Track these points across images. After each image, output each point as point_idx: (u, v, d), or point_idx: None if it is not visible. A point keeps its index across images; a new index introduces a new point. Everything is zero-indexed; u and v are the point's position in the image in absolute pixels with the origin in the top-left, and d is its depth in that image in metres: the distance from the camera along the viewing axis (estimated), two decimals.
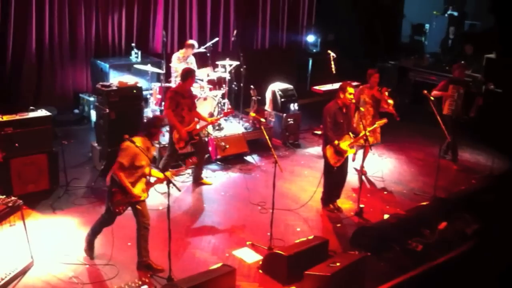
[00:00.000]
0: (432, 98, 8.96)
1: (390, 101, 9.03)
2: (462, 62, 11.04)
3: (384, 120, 7.82)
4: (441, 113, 9.33)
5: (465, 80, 10.04)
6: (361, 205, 8.05)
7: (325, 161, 7.84)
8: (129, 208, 6.28)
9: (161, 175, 6.38)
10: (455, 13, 17.17)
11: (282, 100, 10.75)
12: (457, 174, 9.74)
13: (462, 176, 9.61)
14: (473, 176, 9.62)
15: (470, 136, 11.00)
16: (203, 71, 10.37)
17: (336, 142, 7.58)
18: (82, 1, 10.98)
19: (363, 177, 9.07)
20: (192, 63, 10.36)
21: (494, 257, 6.77)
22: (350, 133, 7.84)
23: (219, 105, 10.05)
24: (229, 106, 10.32)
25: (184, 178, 8.87)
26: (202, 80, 10.11)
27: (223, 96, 10.28)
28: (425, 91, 8.91)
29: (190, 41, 10.42)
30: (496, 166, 9.70)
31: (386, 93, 9.10)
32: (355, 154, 9.31)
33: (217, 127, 9.92)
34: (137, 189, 6.17)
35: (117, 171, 6.06)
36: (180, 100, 8.15)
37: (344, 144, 7.66)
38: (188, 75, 8.24)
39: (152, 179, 6.40)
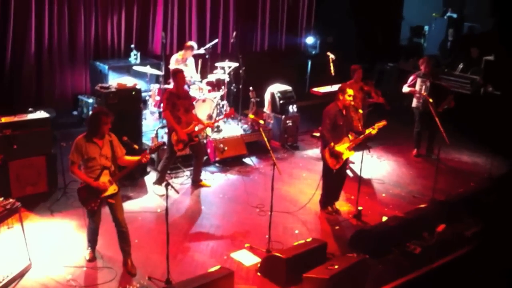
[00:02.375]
0: (430, 100, 9.03)
1: (378, 91, 9.76)
2: (426, 56, 11.39)
3: (384, 122, 7.81)
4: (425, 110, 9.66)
5: (432, 73, 10.30)
6: (360, 208, 8.05)
7: (324, 163, 7.83)
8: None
9: (135, 158, 6.31)
10: (454, 15, 17.19)
11: (281, 102, 10.74)
12: (456, 176, 9.73)
13: (461, 179, 9.61)
14: (472, 178, 9.63)
15: (469, 138, 11.03)
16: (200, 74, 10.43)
17: (331, 144, 7.57)
18: (81, 3, 10.97)
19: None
20: (190, 64, 10.37)
21: (493, 260, 6.77)
22: (350, 136, 7.81)
23: (218, 107, 10.04)
24: (227, 107, 10.28)
25: (183, 180, 8.86)
26: (201, 82, 10.13)
27: (222, 98, 10.27)
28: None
29: (189, 43, 10.43)
30: (495, 169, 9.70)
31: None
32: None
33: (215, 129, 9.91)
34: (100, 182, 6.12)
35: (70, 167, 6.10)
36: (176, 101, 8.14)
37: (342, 147, 7.64)
38: (175, 74, 8.27)
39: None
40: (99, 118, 6.11)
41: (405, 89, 10.27)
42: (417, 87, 10.06)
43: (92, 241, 6.51)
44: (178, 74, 8.26)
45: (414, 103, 10.23)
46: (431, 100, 9.05)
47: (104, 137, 6.16)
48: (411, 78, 10.26)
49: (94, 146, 6.11)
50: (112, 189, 6.21)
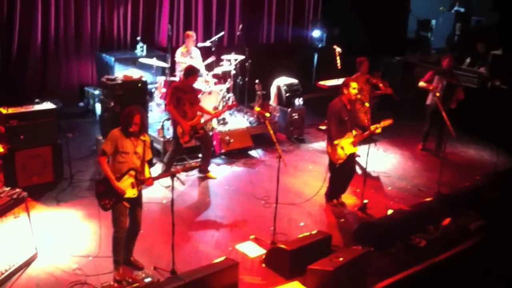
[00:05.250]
0: (437, 94, 9.00)
1: (385, 82, 9.71)
2: (449, 53, 11.18)
3: (390, 121, 7.75)
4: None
5: (451, 71, 10.13)
6: (365, 201, 8.04)
7: (329, 157, 7.82)
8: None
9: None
10: (462, 9, 17.11)
11: (287, 94, 10.74)
12: (462, 170, 9.71)
13: (466, 172, 9.58)
14: (477, 172, 9.59)
15: (475, 132, 11.00)
16: (207, 62, 10.41)
17: (336, 141, 7.55)
18: None
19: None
20: (196, 57, 10.35)
21: (497, 254, 6.78)
22: (354, 131, 7.77)
23: (224, 99, 10.04)
24: (233, 100, 10.30)
25: (188, 172, 8.85)
26: (207, 74, 10.13)
27: (228, 90, 10.27)
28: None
29: (187, 32, 10.42)
30: (501, 163, 9.67)
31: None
32: None
33: (221, 122, 9.92)
34: (124, 183, 5.93)
35: (99, 157, 5.97)
36: (181, 95, 8.14)
37: (345, 142, 7.62)
38: (190, 73, 8.21)
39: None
40: (127, 116, 5.94)
41: (421, 84, 9.99)
42: (434, 84, 9.86)
43: (119, 256, 6.10)
44: (192, 75, 8.23)
45: (429, 100, 10.01)
46: (438, 94, 9.02)
47: (137, 136, 5.99)
48: (428, 74, 10.05)
49: (129, 141, 5.95)
50: (131, 192, 6.00)
